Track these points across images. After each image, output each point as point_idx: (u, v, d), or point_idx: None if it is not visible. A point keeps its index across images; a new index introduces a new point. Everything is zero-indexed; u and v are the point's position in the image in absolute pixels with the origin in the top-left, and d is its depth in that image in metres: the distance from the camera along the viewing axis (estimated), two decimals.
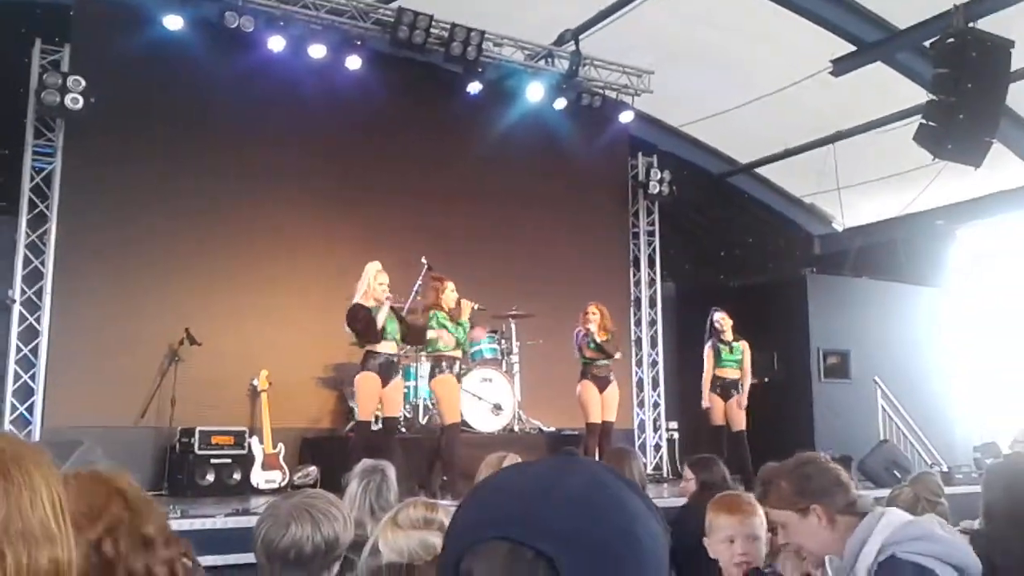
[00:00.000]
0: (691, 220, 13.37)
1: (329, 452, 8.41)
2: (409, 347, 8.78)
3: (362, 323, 7.37)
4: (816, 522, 2.50)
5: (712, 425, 9.01)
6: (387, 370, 7.45)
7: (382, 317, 7.37)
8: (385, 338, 7.43)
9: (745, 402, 9.05)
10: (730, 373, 9.03)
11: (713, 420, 9.00)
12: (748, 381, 9.16)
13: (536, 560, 0.79)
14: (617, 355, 8.84)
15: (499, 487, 0.89)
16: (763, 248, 13.91)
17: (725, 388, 8.99)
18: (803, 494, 2.53)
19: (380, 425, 7.77)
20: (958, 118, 8.24)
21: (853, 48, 10.00)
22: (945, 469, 9.00)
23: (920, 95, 9.02)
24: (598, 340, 8.53)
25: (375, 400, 7.48)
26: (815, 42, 9.89)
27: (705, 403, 9.03)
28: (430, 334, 7.82)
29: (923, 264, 12.99)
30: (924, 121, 8.40)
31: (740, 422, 8.89)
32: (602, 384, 8.59)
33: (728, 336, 9.06)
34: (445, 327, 7.74)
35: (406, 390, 9.02)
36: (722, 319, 9.08)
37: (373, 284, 7.44)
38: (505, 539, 0.81)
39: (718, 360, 9.03)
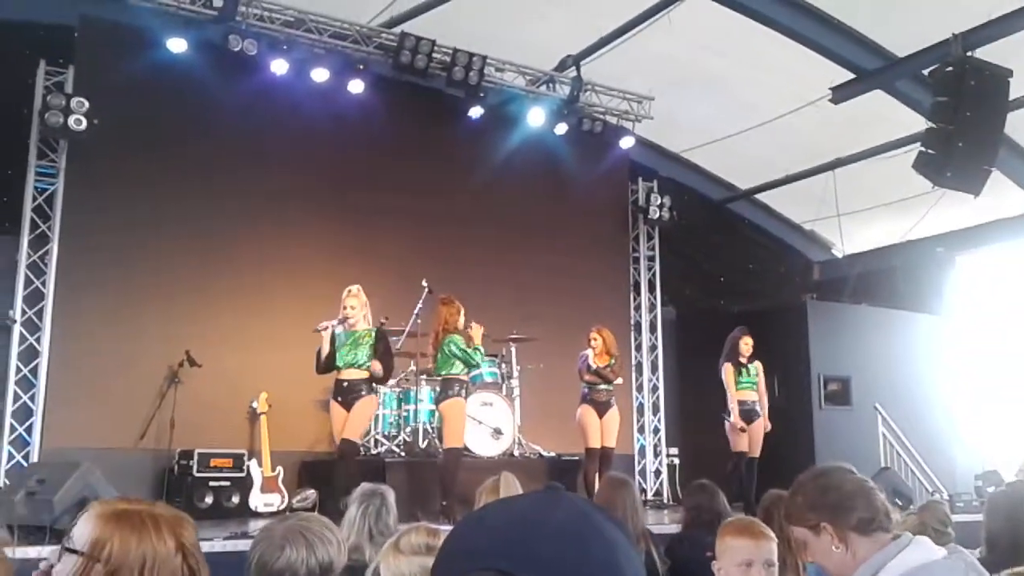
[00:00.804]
0: (691, 245, 13.40)
1: (328, 476, 8.35)
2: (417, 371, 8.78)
3: (316, 355, 7.37)
4: (828, 540, 2.27)
5: (735, 451, 8.87)
6: (344, 395, 7.29)
7: (327, 344, 7.28)
8: (338, 366, 7.30)
9: (769, 425, 8.98)
10: (749, 395, 8.94)
11: (736, 446, 8.85)
12: (766, 402, 9.09)
13: None
14: (618, 381, 8.80)
15: (486, 519, 0.90)
16: (763, 274, 13.92)
17: (747, 412, 8.89)
18: (815, 509, 2.30)
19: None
20: (957, 146, 8.27)
21: (852, 76, 10.06)
22: (946, 497, 8.96)
23: (919, 123, 9.06)
24: (594, 365, 8.52)
25: (337, 426, 7.36)
26: (814, 70, 9.95)
27: (737, 421, 8.82)
28: (440, 358, 7.79)
29: (923, 291, 12.99)
30: (923, 149, 8.44)
31: (757, 448, 8.83)
32: (602, 409, 8.55)
33: (745, 358, 9.01)
34: (456, 356, 7.67)
35: (405, 413, 9.02)
36: (744, 343, 8.99)
37: (339, 308, 7.36)
38: (493, 570, 0.81)
39: (738, 382, 8.94)
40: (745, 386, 8.94)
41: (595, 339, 8.60)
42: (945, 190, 9.15)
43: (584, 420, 8.52)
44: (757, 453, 8.83)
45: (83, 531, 1.58)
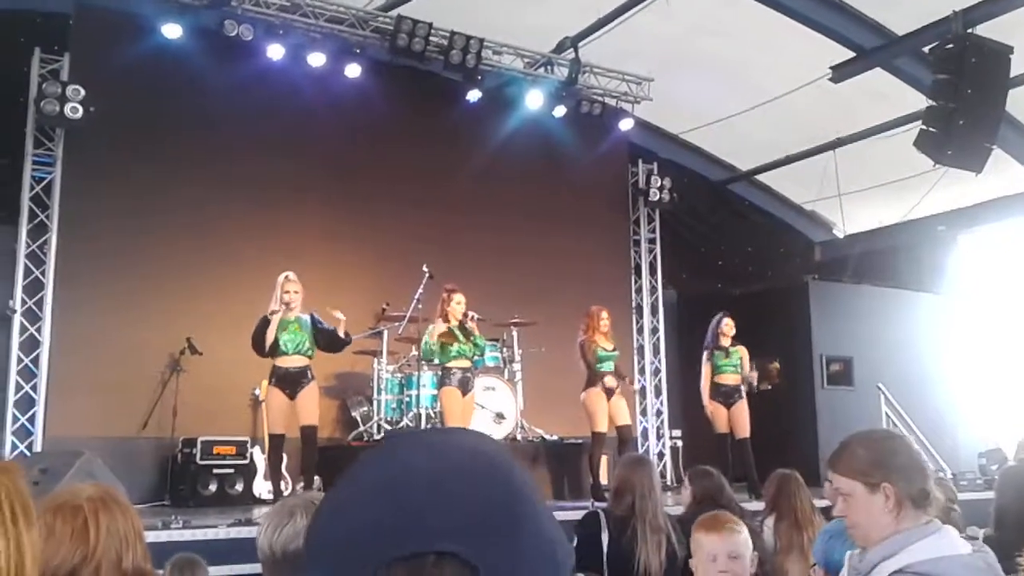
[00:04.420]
0: (691, 227, 13.37)
1: (331, 462, 8.37)
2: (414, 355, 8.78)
3: (254, 337, 7.19)
4: (882, 502, 2.21)
5: (716, 433, 8.91)
6: (289, 383, 7.20)
7: (272, 331, 7.13)
8: (285, 352, 7.17)
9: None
10: (729, 379, 8.91)
11: (716, 428, 8.87)
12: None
13: (441, 564, 0.71)
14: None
15: (350, 509, 0.75)
16: (764, 255, 13.89)
17: (726, 395, 8.89)
18: (882, 468, 2.23)
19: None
20: (958, 124, 8.24)
21: (852, 54, 10.00)
22: (950, 476, 8.96)
23: (920, 101, 9.02)
24: (606, 348, 8.48)
25: (281, 413, 7.24)
26: (814, 49, 9.89)
27: (707, 408, 8.91)
28: (424, 347, 7.87)
29: (924, 270, 12.97)
30: (924, 127, 8.40)
31: (744, 429, 8.77)
32: (609, 392, 8.51)
33: (726, 342, 8.96)
34: (429, 353, 7.78)
35: (407, 399, 9.02)
36: (726, 325, 8.97)
37: (279, 292, 7.21)
38: (396, 560, 0.70)
39: (715, 367, 8.93)
40: (727, 370, 8.88)
41: (604, 318, 8.54)
42: (946, 168, 9.12)
43: (591, 404, 8.42)
44: (746, 434, 8.77)
45: None
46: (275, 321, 7.19)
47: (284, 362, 7.22)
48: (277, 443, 7.34)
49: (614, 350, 8.62)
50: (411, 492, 0.73)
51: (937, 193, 11.14)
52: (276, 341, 7.19)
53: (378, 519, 0.72)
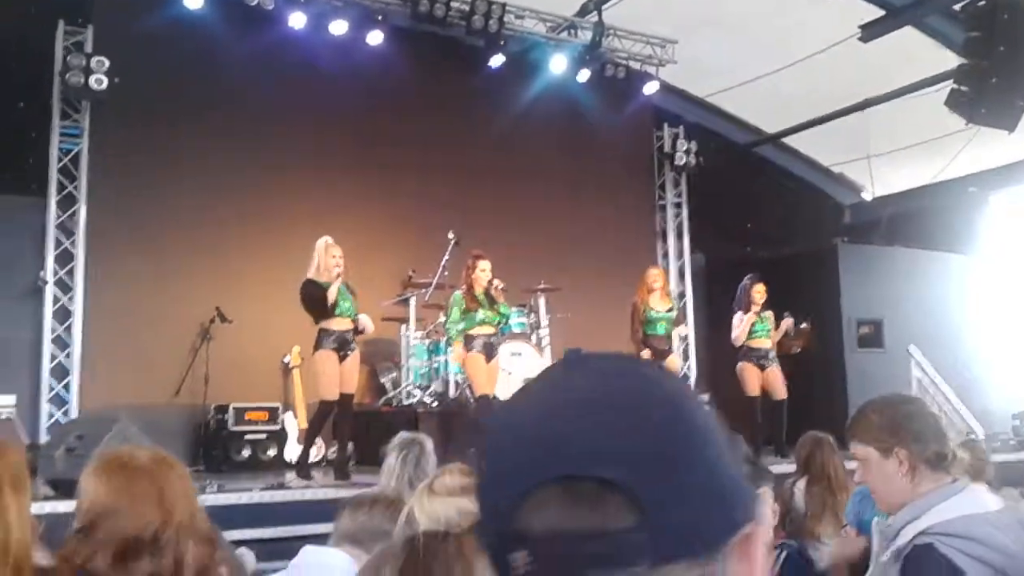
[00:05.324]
0: (718, 192, 13.24)
1: (363, 427, 8.44)
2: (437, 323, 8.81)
3: (311, 300, 7.11)
4: (895, 466, 2.22)
5: (747, 396, 8.88)
6: (342, 346, 7.17)
7: (333, 292, 7.08)
8: (340, 314, 7.13)
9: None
10: (764, 343, 8.90)
11: (749, 391, 8.85)
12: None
13: (600, 490, 0.67)
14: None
15: (521, 422, 0.74)
16: (792, 218, 13.74)
17: (760, 358, 8.88)
18: (894, 433, 2.24)
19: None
20: (991, 82, 8.09)
21: (882, 12, 9.83)
22: (982, 437, 8.90)
23: (951, 60, 8.85)
24: (657, 309, 8.45)
25: (337, 378, 7.16)
26: (843, 7, 9.74)
27: (741, 328, 8.89)
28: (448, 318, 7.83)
29: (955, 232, 12.80)
30: (956, 86, 8.26)
31: (782, 391, 8.77)
32: (663, 357, 8.49)
33: (757, 308, 8.95)
34: (450, 326, 7.73)
35: (436, 364, 9.06)
36: (757, 292, 8.94)
37: (325, 259, 7.15)
38: (554, 481, 0.68)
39: (752, 330, 8.89)
40: (760, 334, 8.88)
41: (653, 276, 8.52)
42: (978, 128, 8.96)
43: None
44: (781, 396, 8.77)
45: None
46: (335, 286, 7.07)
47: (339, 324, 7.15)
48: (327, 410, 7.22)
49: (669, 309, 8.59)
50: (577, 413, 0.70)
51: (968, 153, 10.97)
52: (335, 303, 7.13)
53: (539, 437, 0.70)
